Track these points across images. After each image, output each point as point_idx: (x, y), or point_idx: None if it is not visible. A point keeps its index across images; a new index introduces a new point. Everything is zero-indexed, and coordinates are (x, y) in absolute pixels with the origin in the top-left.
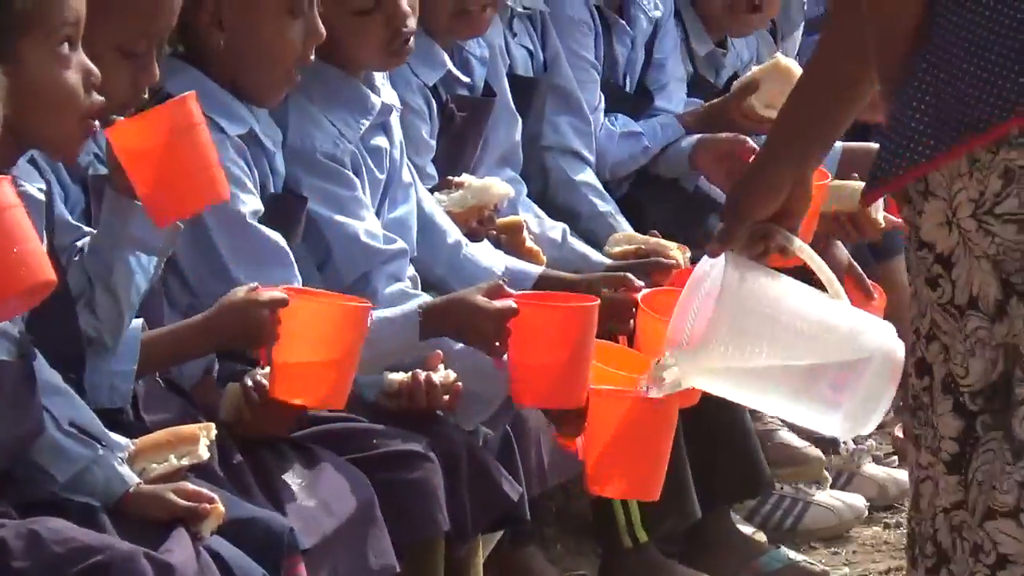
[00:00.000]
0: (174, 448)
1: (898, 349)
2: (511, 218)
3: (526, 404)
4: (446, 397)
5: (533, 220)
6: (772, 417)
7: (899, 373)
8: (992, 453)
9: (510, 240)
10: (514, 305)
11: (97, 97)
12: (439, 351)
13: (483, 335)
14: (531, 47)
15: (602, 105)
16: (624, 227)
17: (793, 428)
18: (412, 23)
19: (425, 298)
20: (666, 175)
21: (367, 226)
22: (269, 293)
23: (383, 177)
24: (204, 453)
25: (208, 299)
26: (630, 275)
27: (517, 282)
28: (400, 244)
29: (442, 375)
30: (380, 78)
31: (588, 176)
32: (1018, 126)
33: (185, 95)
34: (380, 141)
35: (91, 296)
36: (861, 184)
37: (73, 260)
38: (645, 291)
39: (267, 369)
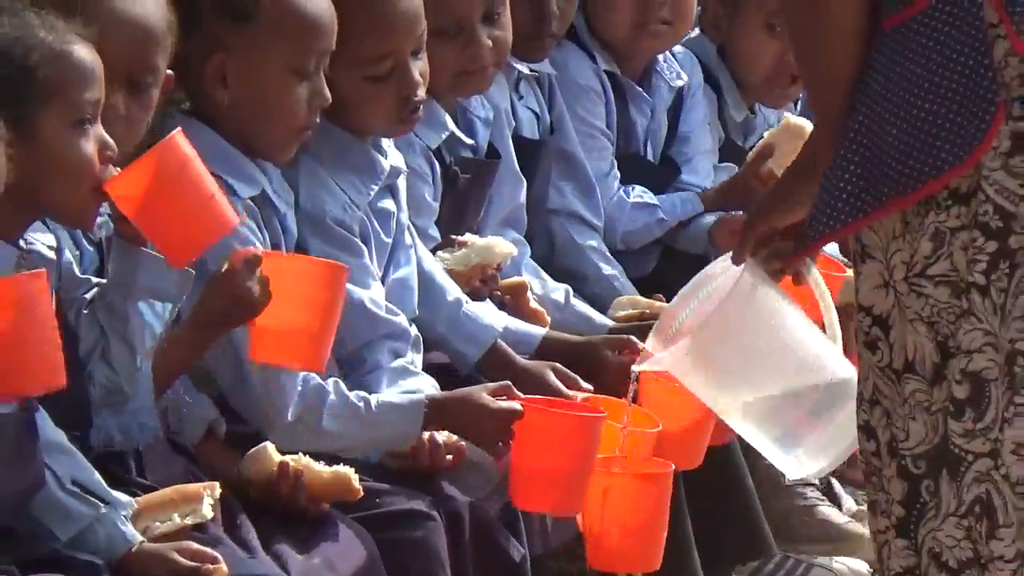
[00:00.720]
0: (178, 507)
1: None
2: (515, 279)
3: (522, 507)
4: (449, 457)
5: (536, 282)
6: (813, 493)
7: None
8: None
9: (514, 301)
10: (519, 407)
11: (113, 169)
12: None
13: (486, 435)
14: (537, 110)
15: (615, 172)
16: (629, 290)
17: (834, 503)
18: (422, 92)
19: (430, 387)
20: (691, 251)
21: (372, 294)
22: (242, 255)
23: (389, 240)
24: (208, 512)
25: (224, 369)
26: (633, 338)
27: (520, 344)
28: (402, 320)
29: (446, 435)
30: (386, 141)
31: (593, 240)
32: (945, 187)
33: (172, 134)
34: (387, 204)
35: (106, 347)
36: None
37: (83, 312)
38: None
39: (306, 462)
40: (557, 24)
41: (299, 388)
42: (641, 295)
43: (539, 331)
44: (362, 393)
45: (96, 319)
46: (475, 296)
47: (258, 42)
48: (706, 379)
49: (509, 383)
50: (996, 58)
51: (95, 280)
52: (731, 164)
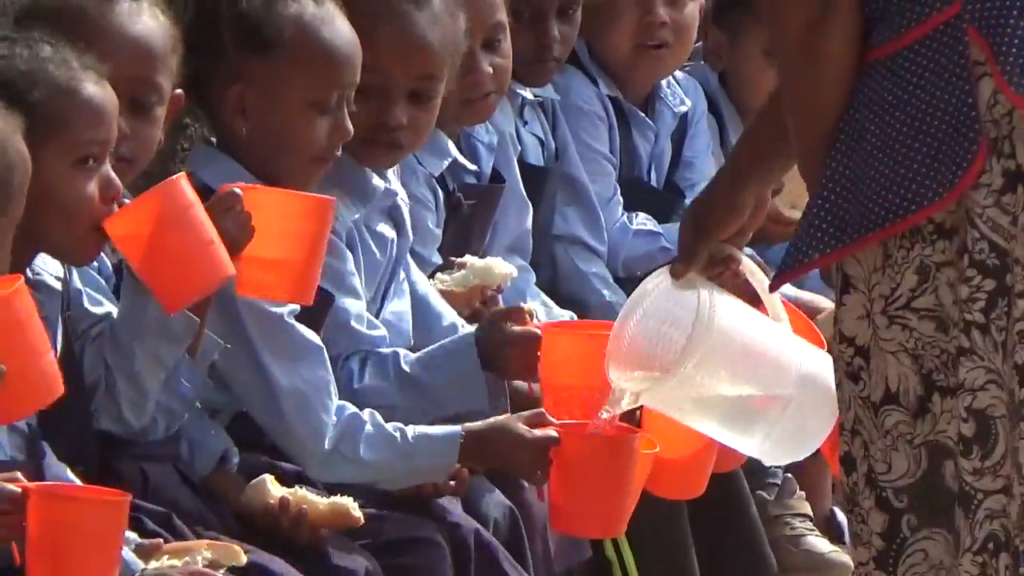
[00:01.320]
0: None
1: (830, 381)
2: (519, 306)
3: (565, 532)
4: (452, 483)
5: (541, 308)
6: (801, 523)
7: (835, 410)
8: (923, 554)
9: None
10: (555, 435)
11: (116, 208)
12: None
13: (524, 466)
14: (542, 136)
15: (618, 197)
16: None
17: (821, 533)
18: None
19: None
20: None
21: (355, 306)
22: (223, 192)
23: (383, 260)
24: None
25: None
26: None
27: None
28: (381, 332)
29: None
30: (392, 170)
31: (597, 267)
32: (929, 220)
33: (176, 176)
34: (384, 229)
35: (111, 383)
36: None
37: (88, 346)
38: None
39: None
40: (559, 49)
41: (334, 418)
42: None
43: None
44: (398, 424)
45: (101, 354)
46: (474, 318)
47: (279, 74)
48: (682, 409)
49: (542, 411)
50: (984, 95)
51: (99, 312)
52: None
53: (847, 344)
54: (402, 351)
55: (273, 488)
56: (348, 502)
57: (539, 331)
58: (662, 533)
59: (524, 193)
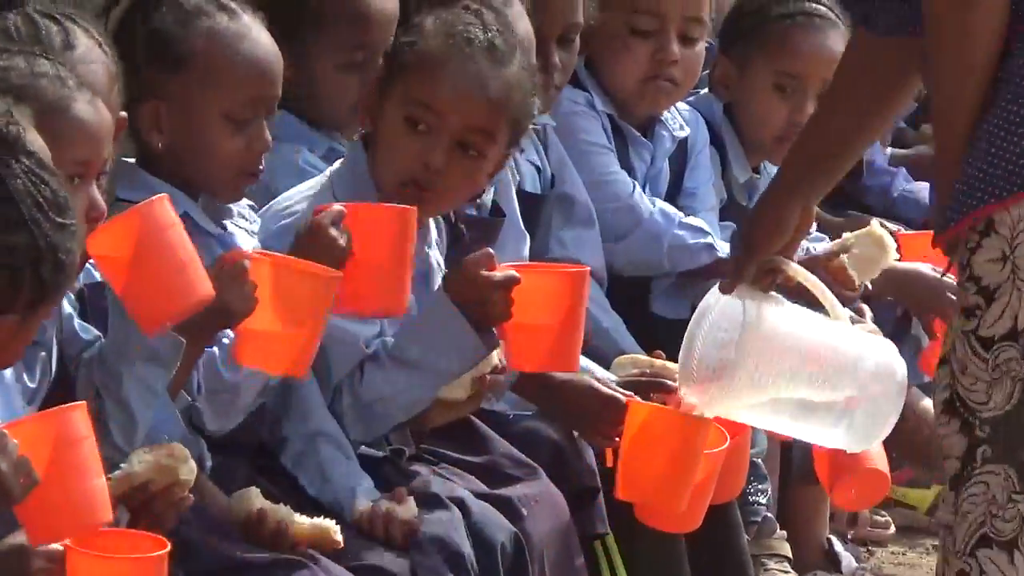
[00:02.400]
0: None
1: (900, 369)
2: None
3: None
4: (400, 536)
5: None
6: (777, 563)
7: (903, 391)
8: (984, 486)
9: None
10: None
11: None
12: (403, 488)
13: (596, 420)
14: (538, 162)
15: (639, 191)
16: (628, 343)
17: (833, 563)
18: None
19: None
20: None
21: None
22: (232, 260)
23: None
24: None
25: None
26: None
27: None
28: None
29: (404, 511)
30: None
31: (592, 290)
32: None
33: (156, 197)
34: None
35: (101, 407)
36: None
37: (80, 370)
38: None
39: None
40: (560, 76)
41: None
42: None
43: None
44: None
45: (91, 378)
46: None
47: (192, 89)
48: (750, 412)
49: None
50: None
51: (89, 338)
52: (733, 224)
53: (973, 283)
54: (386, 338)
55: (257, 500)
56: (330, 524)
57: (516, 273)
58: (660, 564)
59: (521, 224)
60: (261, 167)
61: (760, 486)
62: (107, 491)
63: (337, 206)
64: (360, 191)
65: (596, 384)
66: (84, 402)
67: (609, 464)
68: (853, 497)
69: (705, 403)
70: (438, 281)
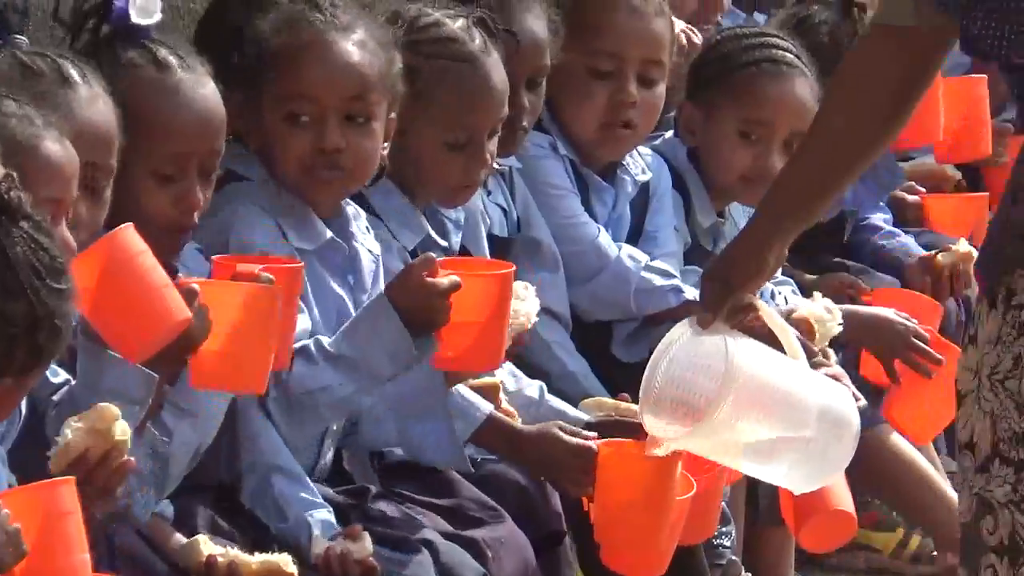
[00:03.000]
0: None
1: (855, 417)
2: (488, 379)
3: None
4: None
5: (510, 379)
6: None
7: (856, 439)
8: None
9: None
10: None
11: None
12: (359, 525)
13: (567, 471)
14: (505, 205)
15: (604, 233)
16: (594, 387)
17: None
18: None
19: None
20: None
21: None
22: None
23: (340, 293)
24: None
25: None
26: (584, 432)
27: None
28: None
29: (360, 550)
30: (362, 228)
31: (558, 334)
32: None
33: (122, 226)
34: (338, 286)
35: None
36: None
37: (50, 412)
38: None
39: (235, 553)
40: (528, 118)
41: None
42: None
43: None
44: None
45: (62, 420)
46: None
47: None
48: (714, 451)
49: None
50: None
51: (58, 382)
52: (697, 268)
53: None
54: (322, 337)
55: (204, 548)
56: (281, 558)
57: (457, 279)
58: None
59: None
60: (195, 219)
61: (725, 528)
62: (90, 567)
63: (188, 284)
64: (275, 202)
65: (562, 434)
66: (73, 477)
67: (586, 509)
68: (819, 539)
69: (669, 434)
70: (369, 270)
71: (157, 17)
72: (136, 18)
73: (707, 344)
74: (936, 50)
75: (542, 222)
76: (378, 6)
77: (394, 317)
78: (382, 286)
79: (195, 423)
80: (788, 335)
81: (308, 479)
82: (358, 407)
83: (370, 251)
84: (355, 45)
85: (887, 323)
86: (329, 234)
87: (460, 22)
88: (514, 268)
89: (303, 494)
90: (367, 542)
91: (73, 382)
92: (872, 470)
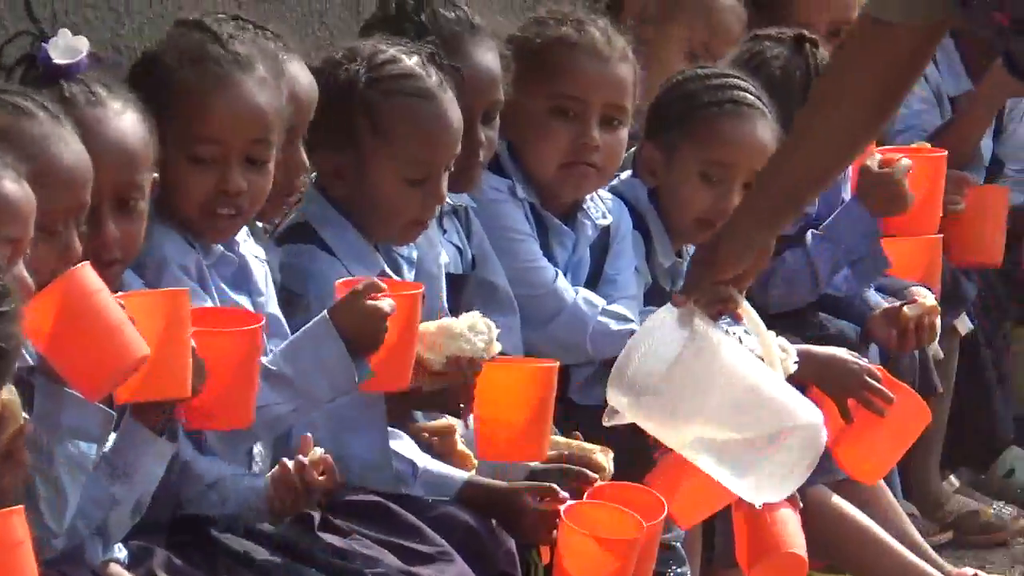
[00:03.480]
0: None
1: (821, 433)
2: (443, 421)
3: None
4: (321, 476)
5: (461, 423)
6: None
7: (819, 450)
8: None
9: (441, 444)
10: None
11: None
12: (308, 435)
13: (530, 532)
14: (459, 244)
15: (562, 279)
16: None
17: None
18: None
19: None
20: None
21: None
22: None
23: (238, 300)
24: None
25: None
26: (555, 486)
27: (440, 488)
28: None
29: (312, 454)
30: (243, 236)
31: None
32: None
33: (78, 265)
34: (237, 294)
35: (31, 486)
36: None
37: None
38: (569, 503)
39: None
40: (484, 153)
41: None
42: None
43: (460, 475)
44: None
45: None
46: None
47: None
48: (673, 426)
49: (553, 485)
50: None
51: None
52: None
53: None
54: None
55: None
56: None
57: (392, 302)
58: None
59: (447, 306)
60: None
61: (679, 569)
62: None
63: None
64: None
65: (528, 499)
66: (22, 506)
67: (546, 562)
68: None
69: (634, 415)
70: (260, 273)
71: (81, 55)
72: (58, 59)
73: (677, 329)
74: (924, 46)
75: (498, 264)
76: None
77: (339, 343)
78: (270, 286)
79: (131, 483)
80: (767, 340)
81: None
82: (291, 425)
83: (256, 256)
84: (257, 84)
85: (841, 362)
86: (221, 248)
87: (415, 58)
88: (557, 364)
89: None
90: (316, 447)
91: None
92: (814, 530)
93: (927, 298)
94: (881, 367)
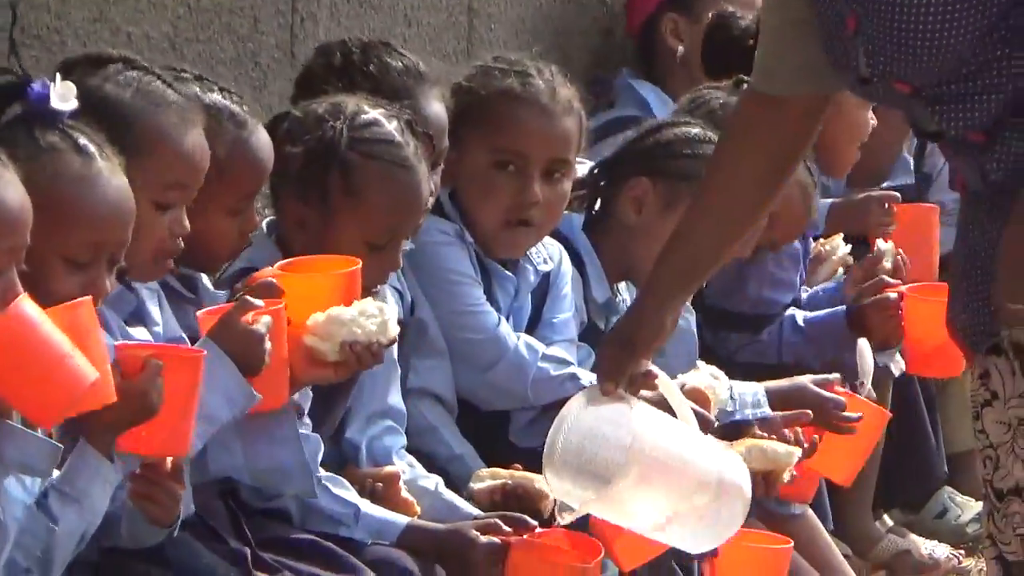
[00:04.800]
0: None
1: (746, 484)
2: (387, 469)
3: None
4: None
5: (407, 468)
6: None
7: (748, 506)
8: None
9: (385, 490)
10: (499, 542)
11: None
12: None
13: (474, 567)
14: (400, 287)
15: (503, 323)
16: (481, 467)
17: None
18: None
19: None
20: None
21: None
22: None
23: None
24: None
25: None
26: (498, 521)
27: (381, 533)
28: None
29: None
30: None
31: (443, 419)
32: None
33: (17, 300)
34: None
35: None
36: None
37: None
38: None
39: None
40: (430, 200)
41: None
42: None
43: (402, 519)
44: None
45: None
46: None
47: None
48: (628, 514)
49: (497, 521)
50: None
51: None
52: (586, 345)
53: (984, 435)
54: None
55: None
56: None
57: (269, 320)
58: None
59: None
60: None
61: None
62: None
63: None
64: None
65: (474, 533)
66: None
67: None
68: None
69: (574, 499)
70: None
71: (74, 104)
72: (56, 103)
73: (604, 411)
74: (811, 116)
75: (427, 306)
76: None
77: (228, 363)
78: (166, 312)
79: (81, 510)
80: (683, 404)
81: None
82: (197, 449)
83: (148, 288)
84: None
85: (802, 396)
86: (119, 286)
87: (395, 123)
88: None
89: None
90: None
91: None
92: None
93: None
94: (849, 392)
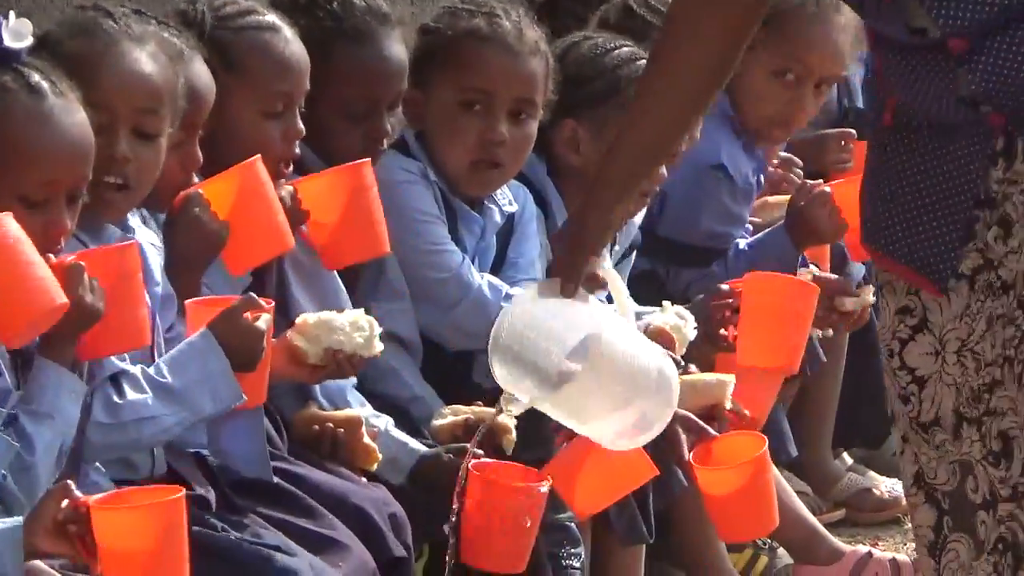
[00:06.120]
0: None
1: (675, 378)
2: (348, 412)
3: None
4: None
5: (359, 408)
6: None
7: (675, 401)
8: (955, 553)
9: (347, 436)
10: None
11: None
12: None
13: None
14: None
15: (468, 263)
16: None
17: None
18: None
19: None
20: None
21: None
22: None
23: None
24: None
25: None
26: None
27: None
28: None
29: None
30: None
31: (404, 361)
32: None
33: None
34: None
35: None
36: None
37: None
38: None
39: None
40: (387, 141)
41: None
42: None
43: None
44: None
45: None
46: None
47: None
48: (575, 412)
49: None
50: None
51: None
52: None
53: (906, 372)
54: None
55: None
56: None
57: (269, 318)
58: None
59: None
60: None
61: (574, 550)
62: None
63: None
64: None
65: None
66: (135, 240)
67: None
68: None
69: (521, 392)
70: (155, 262)
71: (29, 41)
72: (8, 41)
73: (553, 304)
74: (757, 6)
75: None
76: None
77: (224, 360)
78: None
79: (53, 424)
80: (622, 298)
81: None
82: (170, 438)
83: (152, 244)
84: (149, 57)
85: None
86: (119, 232)
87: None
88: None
89: None
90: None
91: None
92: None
93: (868, 293)
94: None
